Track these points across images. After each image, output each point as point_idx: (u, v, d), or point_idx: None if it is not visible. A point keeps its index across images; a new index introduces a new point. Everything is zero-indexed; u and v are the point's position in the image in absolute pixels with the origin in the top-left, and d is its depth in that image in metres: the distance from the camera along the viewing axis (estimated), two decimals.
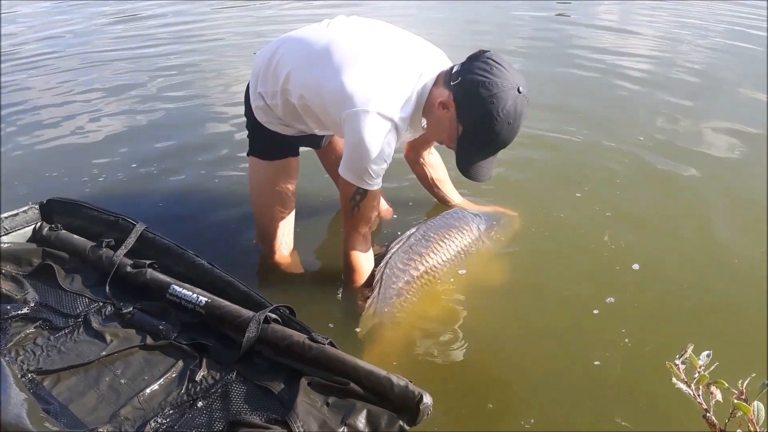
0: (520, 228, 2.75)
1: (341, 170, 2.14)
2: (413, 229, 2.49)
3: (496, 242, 2.63)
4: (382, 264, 2.32)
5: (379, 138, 2.02)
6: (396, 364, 2.06)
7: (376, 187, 2.16)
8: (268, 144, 2.40)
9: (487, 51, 2.02)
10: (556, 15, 6.89)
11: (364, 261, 2.33)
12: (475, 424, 1.85)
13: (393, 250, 2.38)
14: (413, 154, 2.73)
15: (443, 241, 2.47)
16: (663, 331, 2.19)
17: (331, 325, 2.23)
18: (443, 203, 2.88)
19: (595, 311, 2.25)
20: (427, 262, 2.40)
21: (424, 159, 2.74)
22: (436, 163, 2.80)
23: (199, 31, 6.56)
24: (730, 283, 2.44)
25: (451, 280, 2.41)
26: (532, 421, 1.83)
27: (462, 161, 2.09)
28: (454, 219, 2.59)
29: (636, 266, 2.48)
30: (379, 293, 2.24)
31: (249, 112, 2.38)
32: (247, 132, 2.47)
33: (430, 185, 2.84)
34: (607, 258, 2.56)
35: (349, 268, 2.34)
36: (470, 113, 2.00)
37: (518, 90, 1.95)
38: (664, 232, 2.76)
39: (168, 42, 6.15)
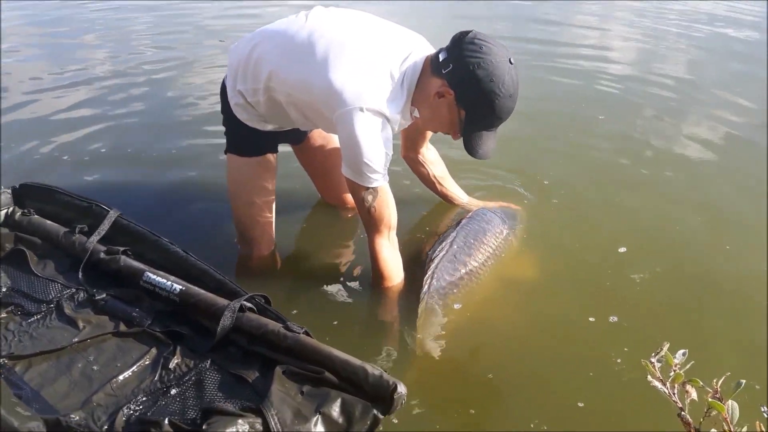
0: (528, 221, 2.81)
1: (343, 170, 2.12)
2: (452, 235, 2.46)
3: (519, 238, 2.66)
4: (428, 275, 2.27)
5: (373, 134, 2.02)
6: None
7: (383, 183, 2.14)
8: (247, 140, 2.36)
9: (469, 32, 2.02)
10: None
11: (393, 266, 2.30)
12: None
13: (437, 260, 2.33)
14: (412, 153, 2.70)
15: (483, 246, 2.47)
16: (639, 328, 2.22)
17: (309, 316, 2.22)
18: (446, 200, 2.87)
19: (613, 318, 2.25)
20: (470, 268, 2.39)
21: (423, 156, 2.72)
22: (435, 159, 2.77)
23: (180, 20, 6.53)
24: (707, 285, 2.47)
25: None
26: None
27: (470, 143, 2.10)
28: (486, 222, 2.60)
29: (623, 249, 2.58)
30: (427, 296, 2.21)
31: (226, 109, 2.33)
32: (224, 129, 2.42)
33: (432, 183, 2.81)
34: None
35: (378, 276, 2.31)
36: (471, 96, 2.01)
37: (510, 61, 1.98)
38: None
39: (148, 29, 6.16)
